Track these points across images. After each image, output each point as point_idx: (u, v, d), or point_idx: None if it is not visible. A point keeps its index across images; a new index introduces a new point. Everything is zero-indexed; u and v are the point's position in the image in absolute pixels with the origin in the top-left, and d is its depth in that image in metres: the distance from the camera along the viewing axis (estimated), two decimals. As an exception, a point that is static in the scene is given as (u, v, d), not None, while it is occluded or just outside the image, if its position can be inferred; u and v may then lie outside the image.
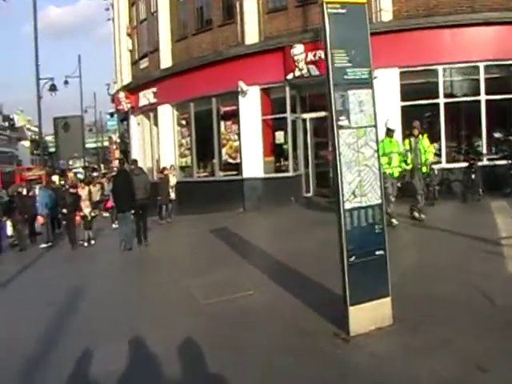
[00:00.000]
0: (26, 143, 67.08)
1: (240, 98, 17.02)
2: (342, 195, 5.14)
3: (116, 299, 8.02)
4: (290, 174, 16.54)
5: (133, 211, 12.36)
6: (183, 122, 19.74)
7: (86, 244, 14.13)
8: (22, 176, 36.00)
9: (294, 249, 9.84)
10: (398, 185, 11.32)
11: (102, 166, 56.08)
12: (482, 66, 14.50)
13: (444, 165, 14.84)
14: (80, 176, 30.84)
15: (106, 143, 53.24)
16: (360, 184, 5.24)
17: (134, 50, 23.21)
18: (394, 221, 10.39)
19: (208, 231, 13.24)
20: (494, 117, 14.75)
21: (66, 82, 34.91)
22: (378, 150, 5.36)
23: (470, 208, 12.54)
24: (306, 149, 17.19)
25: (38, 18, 25.47)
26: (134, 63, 23.24)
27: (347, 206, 5.15)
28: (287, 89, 16.40)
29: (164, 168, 17.65)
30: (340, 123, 5.16)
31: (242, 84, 16.60)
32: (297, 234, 11.68)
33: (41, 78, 24.85)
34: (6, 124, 64.57)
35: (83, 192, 14.88)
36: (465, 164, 13.82)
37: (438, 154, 14.17)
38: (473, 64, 14.62)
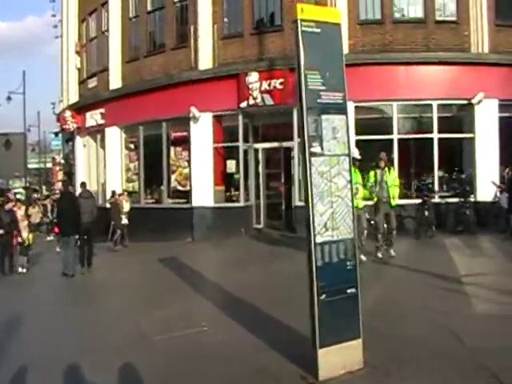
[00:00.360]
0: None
1: (191, 123, 16.47)
2: (313, 228, 4.78)
3: (49, 335, 7.19)
4: (241, 204, 16.05)
5: (77, 236, 12.00)
6: (131, 146, 18.97)
7: (20, 270, 13.15)
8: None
9: (248, 282, 9.42)
10: (367, 216, 11.02)
11: (43, 187, 53.96)
12: (434, 104, 14.60)
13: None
14: (20, 196, 29.32)
15: (49, 164, 51.15)
16: (332, 216, 4.91)
17: (83, 69, 22.29)
18: (362, 257, 9.87)
19: (156, 260, 12.69)
20: (445, 155, 14.83)
21: (9, 98, 33.50)
22: (351, 181, 5.04)
23: (424, 245, 12.44)
24: (257, 179, 16.75)
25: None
26: (82, 82, 22.30)
27: (318, 239, 4.79)
28: (240, 117, 15.99)
29: (113, 192, 16.81)
30: (312, 150, 4.83)
31: (193, 110, 16.08)
32: (250, 266, 11.25)
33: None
34: None
35: (19, 212, 13.63)
36: (417, 200, 13.74)
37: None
38: (426, 102, 14.70)
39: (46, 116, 68.37)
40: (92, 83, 21.17)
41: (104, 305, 9.08)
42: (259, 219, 16.73)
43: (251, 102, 15.49)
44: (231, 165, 16.39)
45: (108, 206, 17.12)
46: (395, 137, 14.87)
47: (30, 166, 42.08)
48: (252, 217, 16.47)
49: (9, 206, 13.29)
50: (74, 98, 22.74)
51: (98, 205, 19.25)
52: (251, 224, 16.35)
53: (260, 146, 16.71)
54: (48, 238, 21.04)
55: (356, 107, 14.83)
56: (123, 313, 8.10)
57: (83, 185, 13.51)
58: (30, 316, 8.37)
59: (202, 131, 16.34)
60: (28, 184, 36.53)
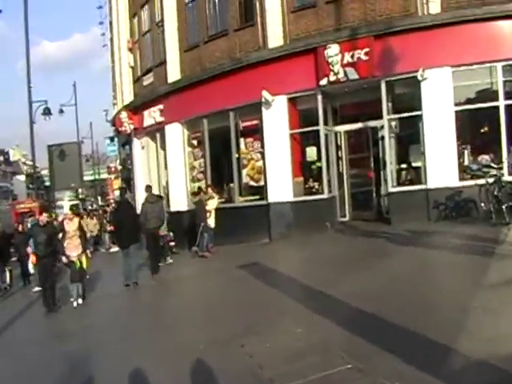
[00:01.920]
0: (22, 177, 64.88)
1: (264, 109, 14.64)
2: None
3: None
4: (325, 195, 14.02)
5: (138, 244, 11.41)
6: (195, 142, 17.30)
7: (75, 304, 10.40)
8: (16, 211, 33.50)
9: (363, 289, 7.33)
10: None
11: (99, 198, 53.60)
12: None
13: (507, 177, 12.31)
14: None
15: (104, 175, 50.76)
16: None
17: (137, 66, 20.93)
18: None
19: (237, 267, 10.85)
20: None
21: (62, 111, 32.71)
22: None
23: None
24: (339, 167, 14.76)
25: (31, 52, 23.47)
26: (137, 80, 20.93)
27: None
28: (319, 97, 14.01)
29: (200, 189, 15.17)
30: None
31: (265, 94, 14.24)
32: (352, 268, 9.19)
33: (34, 101, 22.51)
34: (1, 158, 62.45)
35: (70, 225, 10.63)
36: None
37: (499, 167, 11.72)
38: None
39: (98, 127, 68.70)
40: (148, 80, 19.73)
41: (192, 325, 7.31)
42: (344, 211, 14.74)
43: (332, 78, 13.49)
44: (311, 152, 14.41)
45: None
46: (501, 103, 12.48)
47: (84, 178, 41.45)
48: (336, 209, 14.45)
49: (42, 218, 10.78)
50: (128, 98, 21.44)
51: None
52: (335, 217, 14.34)
53: (341, 128, 14.74)
54: (112, 250, 19.80)
55: (454, 72, 12.67)
56: (221, 337, 6.11)
57: (149, 188, 12.76)
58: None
59: (276, 117, 14.46)
60: (81, 195, 35.44)
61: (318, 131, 14.08)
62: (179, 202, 17.17)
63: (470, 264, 7.81)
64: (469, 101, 13.03)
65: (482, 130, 13.38)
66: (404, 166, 13.84)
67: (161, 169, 18.82)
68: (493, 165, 11.69)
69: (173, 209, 17.32)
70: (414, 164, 13.64)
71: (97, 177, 50.20)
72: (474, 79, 12.99)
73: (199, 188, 15.25)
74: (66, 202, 36.55)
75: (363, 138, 14.63)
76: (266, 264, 11.01)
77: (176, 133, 17.46)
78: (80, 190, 35.21)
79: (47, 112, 23.30)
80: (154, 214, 11.44)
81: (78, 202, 36.73)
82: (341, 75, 13.39)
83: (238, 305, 8.02)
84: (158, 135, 18.80)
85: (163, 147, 18.40)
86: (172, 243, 14.80)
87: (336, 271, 9.21)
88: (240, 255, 13.20)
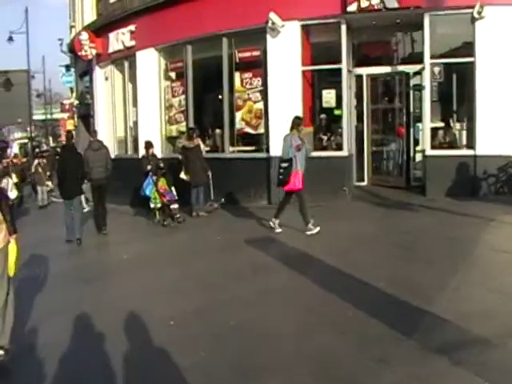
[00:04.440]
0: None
1: (269, 37, 11.46)
2: None
3: None
4: (345, 153, 11.19)
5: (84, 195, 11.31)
6: (174, 75, 13.94)
7: None
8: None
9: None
10: None
11: (50, 139, 49.02)
12: None
13: None
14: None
15: (57, 115, 45.75)
16: None
17: (101, -21, 17.04)
18: None
19: (244, 241, 8.12)
20: None
21: (11, 39, 28.59)
22: None
23: None
24: (358, 118, 11.93)
25: None
26: (101, -3, 17.09)
27: None
28: (343, 27, 10.94)
29: (192, 131, 11.65)
30: None
31: (274, 16, 11.03)
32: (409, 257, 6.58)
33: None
34: None
35: None
36: None
37: None
38: None
39: (51, 63, 62.82)
40: (116, -5, 15.97)
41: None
42: (362, 174, 12.03)
43: (364, 3, 10.45)
44: (329, 96, 11.39)
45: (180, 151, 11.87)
46: None
47: (34, 117, 36.94)
48: (352, 171, 11.68)
49: None
50: (90, 18, 17.61)
51: (128, 156, 14.82)
52: (351, 181, 11.56)
53: (364, 70, 11.80)
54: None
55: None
56: None
57: (94, 133, 11.76)
58: None
59: (286, 48, 11.31)
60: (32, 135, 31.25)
61: (339, 70, 11.05)
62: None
63: None
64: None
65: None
66: (442, 124, 11.14)
67: (129, 106, 15.39)
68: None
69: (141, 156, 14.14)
70: (458, 124, 10.97)
71: (49, 116, 45.53)
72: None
73: (191, 129, 11.92)
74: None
75: (391, 86, 11.77)
76: (281, 240, 8.22)
77: (150, 61, 14.01)
78: (28, 129, 30.92)
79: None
80: (97, 162, 10.36)
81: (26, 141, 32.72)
82: (375, 1, 10.38)
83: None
84: (126, 64, 15.26)
85: (133, 79, 14.94)
86: (174, 205, 10.83)
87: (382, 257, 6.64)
88: (237, 222, 10.37)
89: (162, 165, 11.20)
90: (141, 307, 5.67)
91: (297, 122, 8.60)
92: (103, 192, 10.77)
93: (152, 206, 10.88)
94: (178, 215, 10.76)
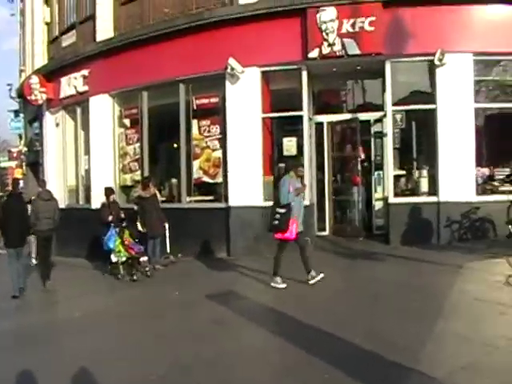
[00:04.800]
0: None
1: (228, 84, 11.13)
2: None
3: None
4: (306, 202, 10.77)
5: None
6: (128, 122, 13.39)
7: None
8: None
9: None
10: None
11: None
12: None
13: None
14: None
15: (5, 163, 43.89)
16: None
17: (54, 23, 16.50)
18: None
19: (206, 297, 7.44)
20: None
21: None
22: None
23: None
24: (319, 167, 11.63)
25: None
26: (54, 40, 16.53)
27: None
28: (304, 73, 10.76)
29: (147, 180, 11.03)
30: None
31: (233, 62, 10.75)
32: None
33: None
34: None
35: None
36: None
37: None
38: None
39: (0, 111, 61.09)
40: (68, 39, 15.45)
41: None
42: (324, 223, 11.62)
43: (326, 50, 10.32)
44: (290, 144, 11.05)
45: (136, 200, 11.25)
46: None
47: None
48: (313, 220, 11.26)
49: None
50: (41, 62, 16.97)
51: (79, 206, 14.03)
52: (312, 230, 11.10)
53: (325, 118, 11.60)
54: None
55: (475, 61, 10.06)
56: None
57: (43, 183, 11.23)
58: None
59: (245, 94, 11.00)
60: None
61: (300, 118, 10.80)
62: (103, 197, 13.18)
63: None
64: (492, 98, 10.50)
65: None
66: (403, 172, 10.97)
67: (80, 153, 14.65)
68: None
69: (94, 206, 13.36)
70: (419, 171, 10.82)
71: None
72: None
73: (146, 178, 11.28)
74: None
75: (351, 133, 11.57)
76: (245, 294, 7.63)
77: (104, 107, 13.45)
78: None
79: None
80: (46, 213, 9.85)
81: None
82: (337, 47, 10.28)
83: None
84: (78, 110, 14.63)
85: (85, 125, 14.29)
86: (143, 258, 10.13)
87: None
88: (196, 276, 9.73)
89: (123, 216, 10.61)
90: (93, 376, 4.92)
91: (294, 164, 8.17)
92: (49, 244, 10.28)
93: (114, 259, 10.05)
94: (147, 268, 10.00)
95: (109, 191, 11.05)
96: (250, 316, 6.55)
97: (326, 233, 11.60)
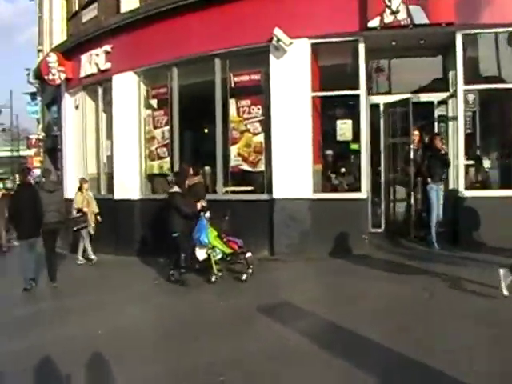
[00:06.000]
0: None
1: (272, 58, 9.72)
2: None
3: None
4: (363, 195, 9.38)
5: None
6: (156, 103, 12.06)
7: None
8: None
9: None
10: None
11: (17, 176, 46.22)
12: None
13: None
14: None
15: (24, 152, 43.15)
16: None
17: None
18: None
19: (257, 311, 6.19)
20: None
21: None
22: None
23: None
24: (376, 153, 10.22)
25: None
26: (73, 16, 15.24)
27: None
28: (361, 46, 9.31)
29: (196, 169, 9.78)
30: None
31: (279, 33, 9.31)
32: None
33: None
34: None
35: None
36: None
37: None
38: None
39: (20, 99, 60.24)
40: (89, 14, 14.12)
41: None
42: (379, 219, 10.22)
43: (388, 18, 8.86)
44: (345, 128, 9.61)
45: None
46: None
47: (0, 153, 34.47)
48: (367, 215, 9.84)
49: None
50: (60, 40, 15.72)
51: (100, 196, 12.79)
52: (365, 227, 9.70)
53: (382, 98, 10.16)
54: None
55: None
56: None
57: (47, 172, 10.90)
58: None
59: (293, 70, 9.58)
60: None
61: (357, 97, 9.35)
62: (128, 186, 11.93)
63: None
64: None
65: None
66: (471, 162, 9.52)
67: (102, 138, 13.36)
68: None
69: (118, 196, 12.12)
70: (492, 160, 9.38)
71: (15, 154, 42.88)
72: None
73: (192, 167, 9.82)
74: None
75: (411, 116, 10.09)
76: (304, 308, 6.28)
77: (128, 87, 12.10)
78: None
79: None
80: (51, 205, 9.34)
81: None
82: (402, 16, 8.82)
83: None
84: (100, 90, 13.31)
85: (107, 107, 12.99)
86: (249, 254, 8.36)
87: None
88: (237, 284, 8.26)
89: (204, 204, 8.76)
90: None
91: None
92: (55, 238, 9.82)
93: (203, 256, 8.26)
94: (251, 266, 8.30)
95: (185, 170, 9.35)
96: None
97: (381, 229, 10.20)
